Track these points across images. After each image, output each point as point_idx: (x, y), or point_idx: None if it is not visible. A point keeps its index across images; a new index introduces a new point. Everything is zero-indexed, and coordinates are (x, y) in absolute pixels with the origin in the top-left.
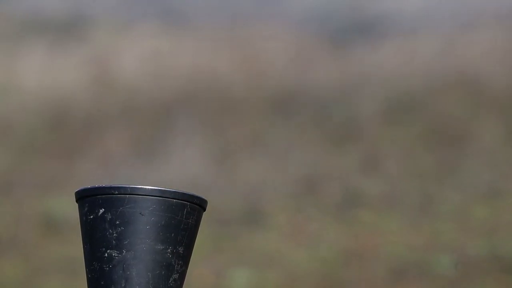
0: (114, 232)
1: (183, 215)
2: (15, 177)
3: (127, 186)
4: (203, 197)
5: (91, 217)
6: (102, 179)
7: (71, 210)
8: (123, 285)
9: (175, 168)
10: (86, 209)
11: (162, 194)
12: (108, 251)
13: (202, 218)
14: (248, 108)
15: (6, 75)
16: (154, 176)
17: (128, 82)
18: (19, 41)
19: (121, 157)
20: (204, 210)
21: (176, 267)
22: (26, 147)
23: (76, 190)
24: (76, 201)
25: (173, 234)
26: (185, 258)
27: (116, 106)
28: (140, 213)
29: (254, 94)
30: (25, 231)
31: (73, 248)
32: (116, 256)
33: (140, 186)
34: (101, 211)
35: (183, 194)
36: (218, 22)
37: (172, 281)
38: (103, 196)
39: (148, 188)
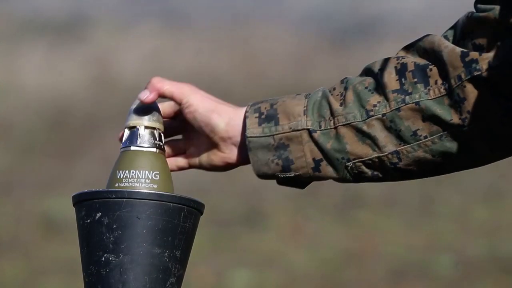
0: (111, 236)
1: (180, 219)
2: (15, 177)
3: (124, 190)
4: (201, 201)
5: (88, 221)
6: (102, 180)
7: (71, 211)
8: None
9: None
10: (83, 213)
11: (159, 198)
12: (105, 255)
13: (202, 219)
14: None
15: (6, 75)
16: None
17: (128, 82)
18: (19, 41)
19: None
20: (202, 213)
21: (174, 271)
22: (26, 147)
23: (73, 194)
24: (73, 205)
25: (170, 238)
26: (183, 262)
27: (116, 106)
28: (137, 217)
29: (254, 94)
30: (25, 231)
31: (73, 248)
32: (113, 260)
33: (137, 190)
34: (98, 215)
35: (180, 198)
36: (218, 22)
37: (169, 284)
38: (100, 200)
39: (145, 192)
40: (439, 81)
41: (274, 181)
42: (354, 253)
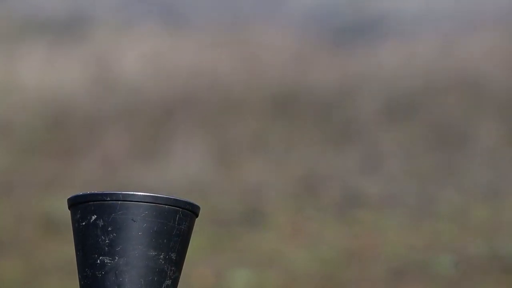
0: (107, 239)
1: (176, 221)
2: (15, 177)
3: (119, 192)
4: (196, 203)
5: (83, 223)
6: (102, 180)
7: None
8: None
9: (176, 168)
10: (78, 215)
11: (154, 200)
12: (100, 257)
13: (202, 219)
14: (249, 108)
15: (6, 75)
16: (154, 176)
17: (128, 82)
18: (19, 41)
19: (121, 157)
20: (197, 216)
21: (169, 273)
22: (26, 147)
23: (68, 197)
24: (69, 208)
25: (165, 240)
26: (178, 264)
27: (116, 106)
28: (132, 220)
29: (255, 94)
30: (25, 231)
31: (73, 248)
32: (109, 263)
33: (132, 192)
34: (93, 217)
35: (175, 200)
36: (218, 22)
37: (165, 287)
38: (95, 202)
39: (140, 194)
40: None
41: (274, 181)
42: (354, 252)
